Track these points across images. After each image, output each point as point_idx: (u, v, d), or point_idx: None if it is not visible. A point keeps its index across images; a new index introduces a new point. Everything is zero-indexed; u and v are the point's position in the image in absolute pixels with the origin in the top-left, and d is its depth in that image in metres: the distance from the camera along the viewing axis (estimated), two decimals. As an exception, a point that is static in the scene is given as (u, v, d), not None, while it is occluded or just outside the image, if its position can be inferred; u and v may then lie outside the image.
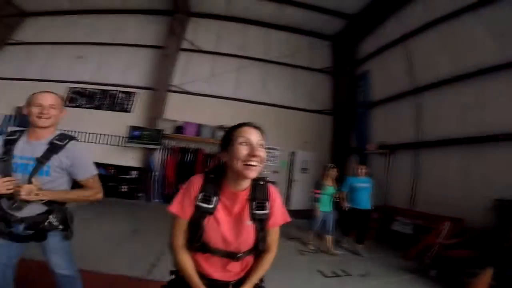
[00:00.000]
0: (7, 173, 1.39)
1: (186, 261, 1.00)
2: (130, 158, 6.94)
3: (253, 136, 0.96)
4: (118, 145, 6.96)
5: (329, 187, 4.15)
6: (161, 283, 1.14)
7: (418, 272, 3.48)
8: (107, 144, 6.98)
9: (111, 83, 7.33)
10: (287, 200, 7.57)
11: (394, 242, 4.77)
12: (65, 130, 5.68)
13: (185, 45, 7.73)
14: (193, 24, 7.95)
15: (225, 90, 7.61)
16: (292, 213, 5.08)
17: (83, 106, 7.16)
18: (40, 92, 1.48)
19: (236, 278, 1.04)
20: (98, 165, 6.60)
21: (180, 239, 1.00)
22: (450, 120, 4.79)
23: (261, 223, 1.00)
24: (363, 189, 4.38)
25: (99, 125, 7.02)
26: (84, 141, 6.92)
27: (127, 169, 6.73)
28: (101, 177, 5.50)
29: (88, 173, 1.57)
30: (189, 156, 6.71)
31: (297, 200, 7.42)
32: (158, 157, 6.74)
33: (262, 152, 0.95)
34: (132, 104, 7.22)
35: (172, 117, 7.02)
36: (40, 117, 1.42)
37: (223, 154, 1.00)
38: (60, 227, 1.51)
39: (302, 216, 6.43)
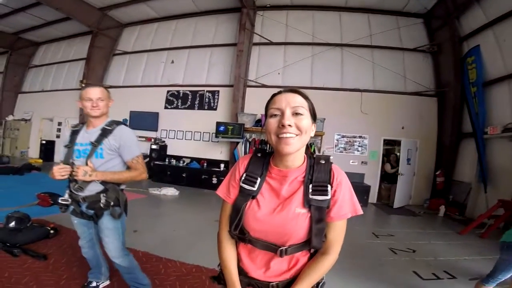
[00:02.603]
0: (68, 157, 1.74)
1: (228, 254, 0.94)
2: (218, 152, 8.11)
3: (285, 103, 0.83)
4: (208, 141, 8.22)
5: None
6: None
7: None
8: (199, 140, 8.34)
9: (198, 84, 8.58)
10: (379, 196, 7.31)
11: None
12: (166, 130, 7.09)
13: (256, 39, 8.28)
14: (260, 17, 8.42)
15: (301, 79, 7.81)
16: (395, 211, 4.90)
17: (179, 107, 8.69)
18: (89, 87, 1.78)
19: (279, 280, 0.90)
20: (193, 159, 7.99)
21: (226, 227, 0.94)
22: None
23: (319, 212, 0.83)
24: None
25: (192, 123, 8.43)
26: (182, 139, 8.51)
27: (216, 162, 7.87)
28: (195, 170, 6.61)
29: (132, 154, 1.81)
30: (268, 147, 7.19)
31: (398, 197, 6.83)
32: (241, 149, 7.53)
33: (297, 120, 0.82)
34: (217, 101, 8.31)
35: (251, 111, 7.70)
36: (92, 109, 1.73)
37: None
38: (112, 205, 1.77)
39: (401, 213, 6.13)
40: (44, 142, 10.50)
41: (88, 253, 2.00)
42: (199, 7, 8.79)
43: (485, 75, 6.11)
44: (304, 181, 0.87)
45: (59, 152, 1.90)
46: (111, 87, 9.65)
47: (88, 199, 1.75)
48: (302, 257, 0.90)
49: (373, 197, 7.13)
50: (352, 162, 7.34)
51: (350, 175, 7.26)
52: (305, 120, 0.83)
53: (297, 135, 0.82)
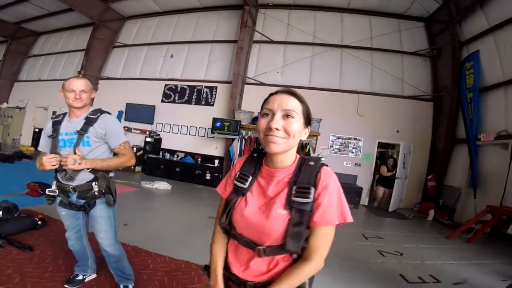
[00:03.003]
0: (54, 147, 1.73)
1: (217, 247, 0.99)
2: (213, 148, 8.09)
3: (277, 104, 0.83)
4: (204, 136, 8.20)
5: None
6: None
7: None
8: (195, 135, 8.31)
9: (197, 79, 8.53)
10: (370, 199, 7.33)
11: (506, 248, 4.26)
12: (162, 123, 7.01)
13: (257, 37, 8.26)
14: (262, 15, 8.39)
15: (299, 79, 7.81)
16: (386, 214, 5.10)
17: (176, 101, 8.64)
18: (72, 78, 1.77)
19: (256, 280, 0.89)
20: (187, 154, 7.95)
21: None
22: None
23: (299, 215, 0.80)
24: None
25: (189, 118, 8.40)
26: (177, 133, 8.48)
27: (211, 158, 7.85)
28: (189, 165, 6.56)
29: (119, 140, 1.84)
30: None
31: (393, 200, 6.80)
32: (236, 146, 7.50)
33: (286, 124, 0.82)
34: (214, 97, 8.28)
35: (248, 108, 7.67)
36: (74, 100, 1.72)
37: None
38: (104, 193, 1.80)
39: (391, 216, 6.14)
40: (37, 130, 10.45)
41: (74, 245, 1.97)
42: (202, 2, 8.75)
43: (482, 81, 6.11)
44: (290, 182, 0.85)
45: (43, 143, 1.85)
46: (108, 78, 9.60)
47: (79, 189, 1.74)
48: (282, 261, 0.87)
49: (364, 199, 7.17)
50: (346, 164, 7.34)
51: (343, 176, 7.23)
52: (295, 124, 0.82)
53: (284, 138, 0.81)
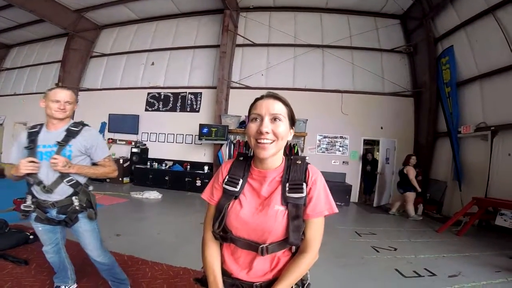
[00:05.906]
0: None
1: (211, 254, 0.96)
2: (202, 154, 7.95)
3: (265, 109, 0.86)
4: (191, 143, 8.04)
5: None
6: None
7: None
8: (182, 142, 8.14)
9: (180, 85, 8.37)
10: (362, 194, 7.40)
11: (496, 239, 4.34)
12: (147, 132, 6.80)
13: (239, 40, 8.20)
14: (243, 19, 8.36)
15: (283, 80, 7.82)
16: (376, 210, 5.30)
17: (160, 109, 8.43)
18: (57, 88, 1.73)
19: (262, 280, 0.92)
20: (176, 162, 7.77)
21: (210, 229, 0.95)
22: None
23: (296, 209, 0.86)
24: None
25: (174, 126, 8.21)
26: (164, 142, 8.27)
27: (200, 165, 7.72)
28: (178, 173, 6.44)
29: (104, 154, 1.84)
30: (250, 151, 7.13)
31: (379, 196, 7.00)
32: (225, 151, 7.41)
33: (274, 127, 0.86)
34: (199, 103, 8.14)
35: (235, 112, 7.60)
36: (57, 111, 1.66)
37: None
38: (85, 208, 1.76)
39: (382, 212, 6.20)
40: (18, 147, 9.92)
41: (53, 258, 1.92)
42: (180, 8, 8.61)
43: (458, 75, 6.28)
44: (282, 180, 0.91)
45: (15, 155, 1.72)
46: (88, 90, 9.26)
47: (59, 204, 1.69)
48: (283, 257, 0.93)
49: (354, 196, 7.22)
50: (334, 162, 7.40)
51: (332, 175, 7.25)
52: (282, 126, 0.87)
53: (273, 141, 0.86)
